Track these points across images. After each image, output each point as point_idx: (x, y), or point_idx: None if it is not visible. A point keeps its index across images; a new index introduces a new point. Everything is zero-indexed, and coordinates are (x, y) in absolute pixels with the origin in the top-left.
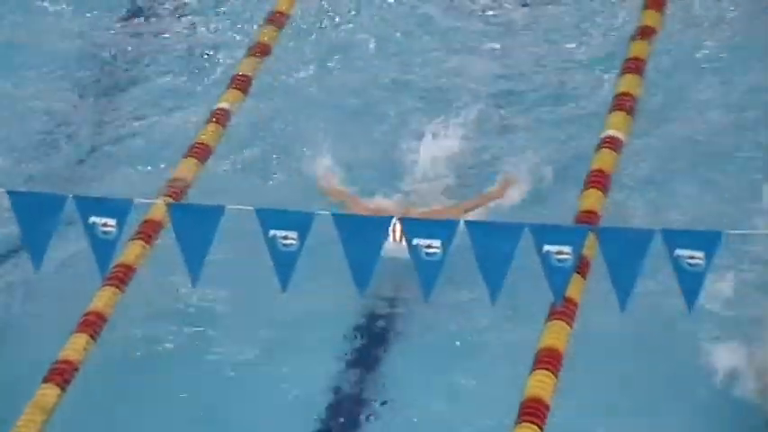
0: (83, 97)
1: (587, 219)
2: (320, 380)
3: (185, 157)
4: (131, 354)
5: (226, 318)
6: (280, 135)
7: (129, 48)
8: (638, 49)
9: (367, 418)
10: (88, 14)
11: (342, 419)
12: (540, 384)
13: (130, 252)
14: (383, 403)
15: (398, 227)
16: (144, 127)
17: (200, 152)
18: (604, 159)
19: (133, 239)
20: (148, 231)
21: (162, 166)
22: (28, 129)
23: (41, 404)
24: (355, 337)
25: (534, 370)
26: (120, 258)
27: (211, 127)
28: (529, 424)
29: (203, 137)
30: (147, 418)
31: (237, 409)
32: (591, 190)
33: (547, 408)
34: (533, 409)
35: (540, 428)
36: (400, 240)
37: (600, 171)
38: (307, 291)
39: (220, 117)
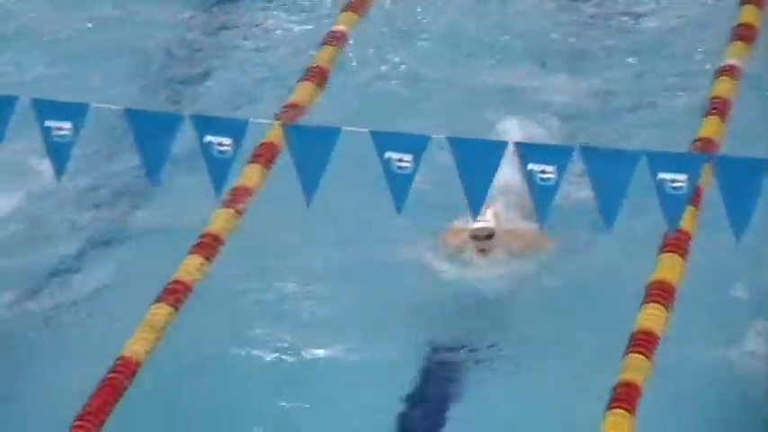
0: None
1: (705, 147)
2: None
3: (301, 80)
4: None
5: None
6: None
7: None
8: None
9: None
10: None
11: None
12: (651, 317)
13: (248, 175)
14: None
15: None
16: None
17: (317, 76)
18: (724, 87)
19: (250, 162)
20: (266, 154)
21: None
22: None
23: (153, 323)
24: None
25: (646, 303)
26: (237, 181)
27: (327, 50)
28: (638, 354)
29: (319, 60)
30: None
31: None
32: (710, 117)
33: (656, 340)
34: (643, 341)
35: (648, 359)
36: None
37: (719, 98)
38: None
39: (336, 39)
